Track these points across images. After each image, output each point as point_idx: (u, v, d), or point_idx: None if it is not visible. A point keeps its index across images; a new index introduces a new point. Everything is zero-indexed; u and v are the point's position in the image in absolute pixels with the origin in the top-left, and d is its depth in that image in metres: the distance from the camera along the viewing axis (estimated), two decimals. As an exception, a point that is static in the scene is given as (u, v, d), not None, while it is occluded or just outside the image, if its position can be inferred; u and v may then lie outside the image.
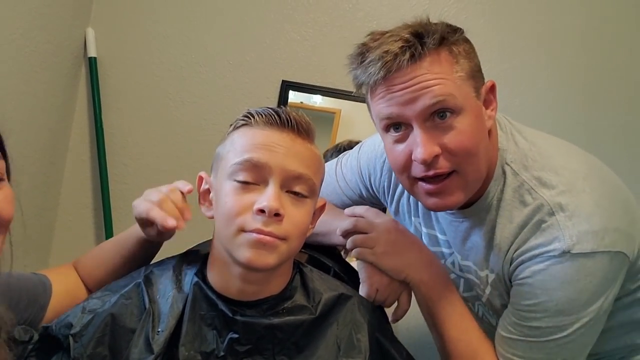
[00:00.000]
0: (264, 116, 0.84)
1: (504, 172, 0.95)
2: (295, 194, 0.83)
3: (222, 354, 0.82)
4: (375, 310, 0.95)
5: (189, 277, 0.87)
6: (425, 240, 1.12)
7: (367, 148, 1.19)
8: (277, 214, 0.78)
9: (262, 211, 0.78)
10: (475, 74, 0.92)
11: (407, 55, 0.86)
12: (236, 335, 0.83)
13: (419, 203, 1.08)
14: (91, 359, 0.81)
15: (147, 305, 0.84)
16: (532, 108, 1.83)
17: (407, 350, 0.95)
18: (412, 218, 1.14)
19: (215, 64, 1.89)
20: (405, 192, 1.11)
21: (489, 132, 0.95)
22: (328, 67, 1.87)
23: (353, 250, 1.03)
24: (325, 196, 1.21)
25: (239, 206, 0.80)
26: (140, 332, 0.82)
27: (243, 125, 0.86)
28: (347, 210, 1.09)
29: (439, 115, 0.87)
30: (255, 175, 0.81)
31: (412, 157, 0.89)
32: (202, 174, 0.90)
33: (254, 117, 0.85)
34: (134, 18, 1.88)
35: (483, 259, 0.99)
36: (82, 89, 1.89)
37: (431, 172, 0.89)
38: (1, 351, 0.75)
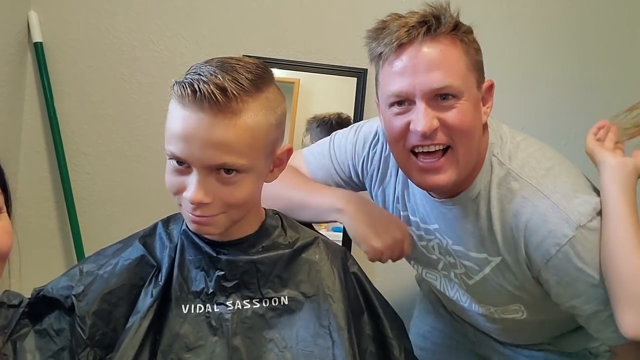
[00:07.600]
0: (180, 92, 0.78)
1: (491, 164, 1.03)
2: (227, 171, 0.80)
3: (211, 291, 0.88)
4: (348, 254, 1.01)
5: (177, 229, 0.95)
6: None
7: (364, 133, 1.22)
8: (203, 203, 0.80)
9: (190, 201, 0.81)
10: (480, 69, 1.00)
11: (424, 29, 0.93)
12: (222, 272, 0.88)
13: (403, 192, 1.15)
14: (96, 315, 0.88)
15: (154, 264, 0.92)
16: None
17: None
18: (394, 204, 1.19)
19: (170, 41, 1.82)
20: (392, 181, 1.17)
21: (483, 127, 1.02)
22: (288, 38, 1.83)
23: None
24: (318, 170, 1.24)
25: (175, 187, 0.84)
26: (148, 285, 0.90)
27: (173, 94, 0.82)
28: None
29: (442, 97, 0.94)
30: (182, 160, 0.81)
31: (411, 128, 0.94)
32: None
33: (173, 89, 0.81)
34: (79, -2, 1.78)
35: (480, 244, 1.05)
36: (29, 77, 1.79)
37: (428, 142, 0.95)
38: None
